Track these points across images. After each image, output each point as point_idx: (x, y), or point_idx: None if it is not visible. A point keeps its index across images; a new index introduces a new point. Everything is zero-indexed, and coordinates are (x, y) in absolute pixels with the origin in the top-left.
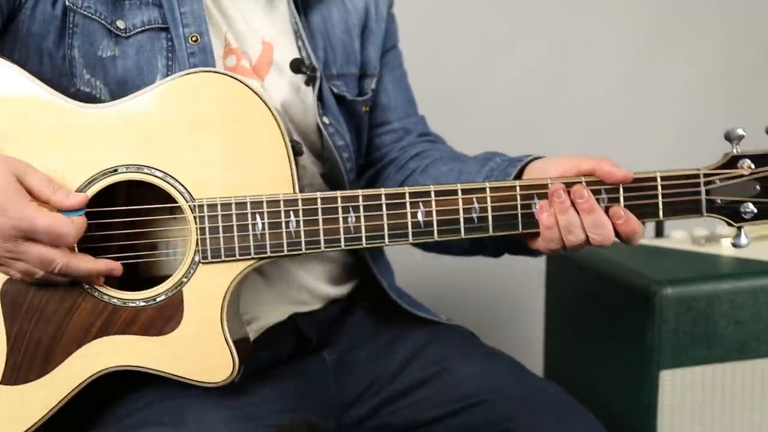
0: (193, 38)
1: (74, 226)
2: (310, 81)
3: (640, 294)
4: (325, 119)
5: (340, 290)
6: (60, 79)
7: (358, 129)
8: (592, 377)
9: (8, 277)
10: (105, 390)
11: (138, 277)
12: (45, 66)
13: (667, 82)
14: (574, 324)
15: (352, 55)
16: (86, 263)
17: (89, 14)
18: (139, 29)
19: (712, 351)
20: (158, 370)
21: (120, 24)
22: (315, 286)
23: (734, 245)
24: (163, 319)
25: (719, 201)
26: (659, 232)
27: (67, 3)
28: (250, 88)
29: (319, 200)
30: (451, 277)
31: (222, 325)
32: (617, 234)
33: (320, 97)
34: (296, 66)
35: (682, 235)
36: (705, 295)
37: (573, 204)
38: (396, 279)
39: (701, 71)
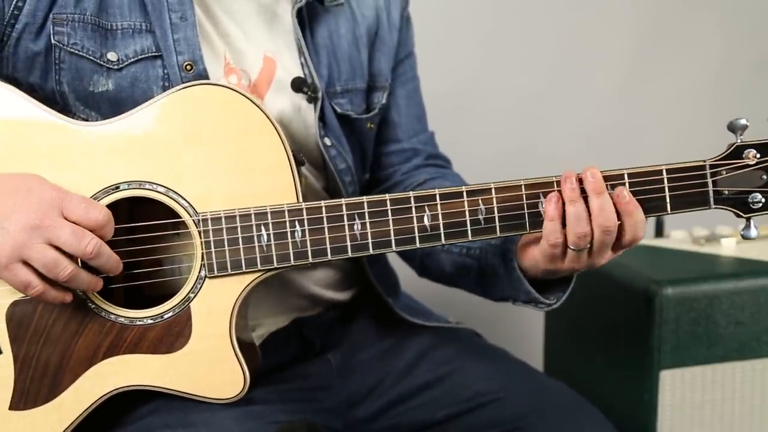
0: (188, 66)
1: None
2: (311, 100)
3: (641, 294)
4: (327, 140)
5: (343, 295)
6: (54, 108)
7: (362, 147)
8: (592, 377)
9: (13, 300)
10: (109, 399)
11: (143, 295)
12: (37, 98)
13: (665, 84)
14: (574, 324)
15: (359, 69)
16: (90, 276)
17: (76, 51)
18: (132, 59)
19: (712, 351)
20: (168, 389)
21: (111, 56)
22: (316, 292)
23: (744, 237)
24: (172, 336)
25: (726, 192)
26: (659, 232)
27: (53, 41)
28: (249, 99)
29: (323, 208)
30: None
31: (231, 340)
32: (620, 220)
33: (322, 117)
34: (297, 85)
35: (682, 235)
36: (705, 295)
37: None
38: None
39: (699, 73)
